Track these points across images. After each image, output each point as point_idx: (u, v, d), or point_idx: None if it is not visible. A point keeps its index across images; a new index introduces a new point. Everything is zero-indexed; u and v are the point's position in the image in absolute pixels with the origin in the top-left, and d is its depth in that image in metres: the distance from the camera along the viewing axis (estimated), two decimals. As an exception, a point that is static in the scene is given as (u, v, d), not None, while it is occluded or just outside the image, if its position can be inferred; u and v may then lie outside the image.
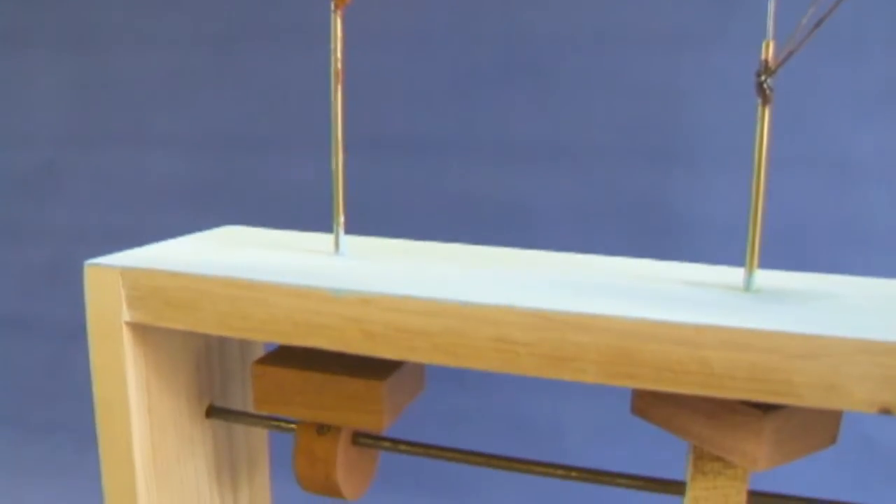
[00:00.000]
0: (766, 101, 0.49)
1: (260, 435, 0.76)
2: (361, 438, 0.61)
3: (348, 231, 0.66)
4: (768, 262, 0.59)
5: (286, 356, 0.60)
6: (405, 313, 0.47)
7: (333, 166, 0.58)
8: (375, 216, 0.94)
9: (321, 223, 0.63)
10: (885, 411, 0.44)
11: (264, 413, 0.70)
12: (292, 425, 0.62)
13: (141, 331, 0.57)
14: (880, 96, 1.10)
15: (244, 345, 0.71)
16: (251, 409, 0.72)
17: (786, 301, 0.49)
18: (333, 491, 0.60)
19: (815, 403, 0.43)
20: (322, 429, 0.60)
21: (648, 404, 0.54)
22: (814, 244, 1.12)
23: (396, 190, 1.24)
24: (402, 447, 0.61)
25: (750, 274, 0.51)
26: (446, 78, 1.22)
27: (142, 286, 0.54)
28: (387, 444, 0.62)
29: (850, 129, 1.11)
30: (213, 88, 1.33)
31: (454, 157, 1.22)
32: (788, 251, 0.79)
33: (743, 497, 0.52)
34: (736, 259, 0.55)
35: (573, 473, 0.58)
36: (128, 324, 0.55)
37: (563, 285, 0.51)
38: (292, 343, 0.51)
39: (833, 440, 0.53)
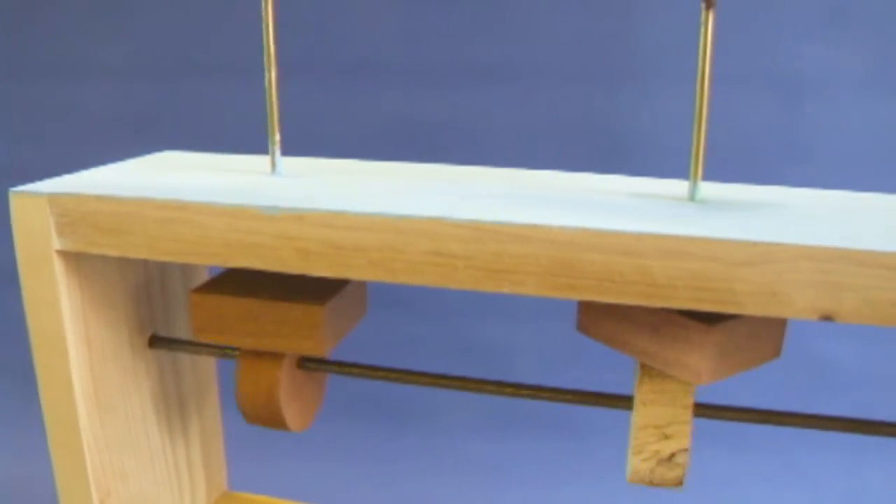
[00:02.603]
0: (709, 4, 0.48)
1: (208, 365, 0.75)
2: (307, 363, 0.60)
3: (289, 155, 0.64)
4: (716, 178, 0.58)
5: (225, 283, 0.59)
6: (340, 229, 0.46)
7: (266, 84, 0.55)
8: (316, 139, 0.92)
9: (263, 148, 0.61)
10: (827, 318, 0.43)
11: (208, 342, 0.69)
12: (237, 352, 0.61)
13: (73, 260, 0.55)
14: (825, 15, 1.09)
15: (187, 272, 0.70)
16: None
17: (730, 211, 0.49)
18: (277, 420, 0.59)
19: (758, 311, 0.43)
20: (263, 355, 0.58)
21: (593, 321, 0.53)
22: (761, 160, 1.12)
23: (337, 113, 1.22)
24: (351, 370, 0.60)
25: (694, 184, 0.50)
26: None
27: (70, 212, 0.52)
28: (334, 367, 0.61)
29: (795, 46, 1.10)
30: (147, 13, 1.28)
31: (395, 78, 1.19)
32: (736, 167, 0.78)
33: (689, 410, 0.51)
34: (684, 177, 0.54)
35: (523, 391, 0.57)
36: (59, 252, 0.53)
37: (503, 197, 0.50)
38: (226, 265, 0.49)
39: (777, 353, 0.53)
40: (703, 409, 0.53)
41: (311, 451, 1.10)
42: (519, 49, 1.16)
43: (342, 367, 0.60)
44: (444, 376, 0.59)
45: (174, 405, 0.70)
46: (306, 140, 0.79)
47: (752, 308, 0.43)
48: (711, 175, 0.58)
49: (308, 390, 0.63)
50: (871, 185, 0.63)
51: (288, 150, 0.63)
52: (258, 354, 0.59)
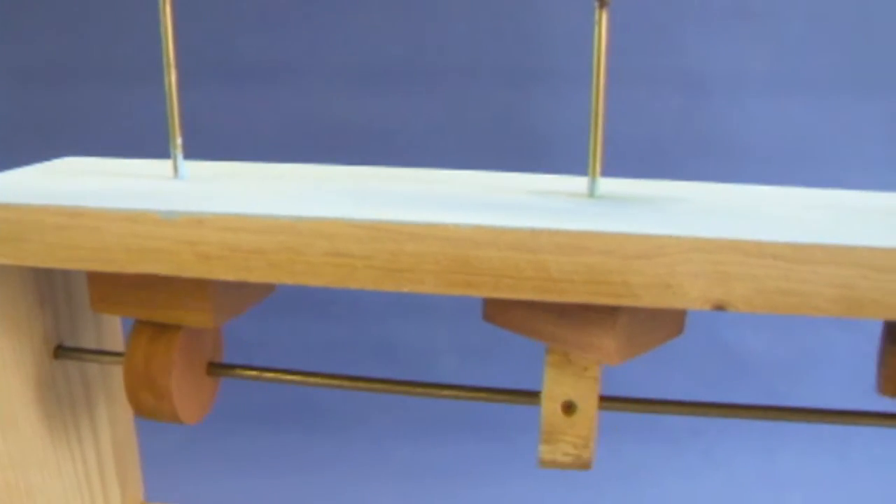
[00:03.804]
0: (603, 3, 0.49)
1: (119, 374, 0.73)
2: (215, 369, 0.60)
3: (199, 159, 0.63)
4: (625, 174, 0.59)
5: None
6: (239, 232, 0.46)
7: (167, 87, 0.55)
8: (226, 143, 0.91)
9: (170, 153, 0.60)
10: (719, 307, 0.44)
11: (114, 350, 0.68)
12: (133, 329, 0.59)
13: (-32, 269, 0.53)
14: (730, 13, 1.12)
15: (93, 281, 0.68)
16: (105, 346, 0.70)
17: (627, 205, 0.50)
18: (166, 404, 0.58)
19: (653, 303, 0.44)
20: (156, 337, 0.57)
21: (499, 310, 0.53)
22: (669, 156, 1.14)
23: (248, 116, 1.21)
24: (266, 375, 0.60)
25: (593, 180, 0.51)
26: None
27: (-36, 220, 0.51)
28: (249, 372, 0.60)
29: (702, 44, 1.13)
30: (44, 17, 1.25)
31: (307, 80, 1.19)
32: (645, 164, 0.80)
33: (595, 391, 0.52)
34: (603, 173, 0.55)
35: (444, 391, 0.58)
36: (-48, 262, 0.52)
37: (404, 197, 0.50)
38: (125, 270, 0.49)
39: (680, 330, 0.54)
40: (613, 402, 0.54)
41: (232, 461, 1.09)
42: (431, 49, 1.17)
43: (258, 371, 0.60)
44: (364, 378, 0.59)
45: (84, 416, 0.68)
46: (216, 144, 0.78)
47: (647, 300, 0.44)
48: (621, 171, 0.59)
49: (202, 382, 0.62)
50: (777, 180, 0.64)
51: (198, 154, 0.62)
52: (150, 337, 0.58)
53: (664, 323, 0.53)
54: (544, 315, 0.51)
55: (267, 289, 0.62)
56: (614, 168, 0.57)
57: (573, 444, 0.52)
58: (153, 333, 0.57)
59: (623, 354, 0.50)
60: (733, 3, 1.12)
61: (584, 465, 0.53)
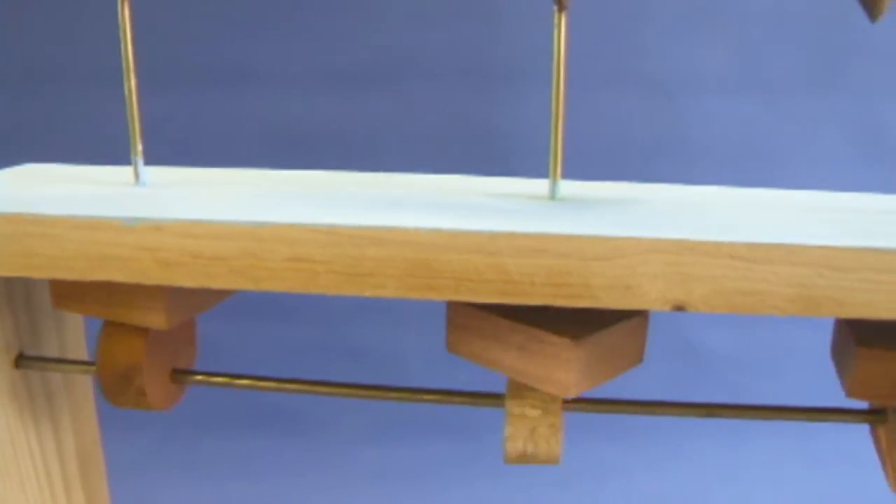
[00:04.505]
0: (561, 7, 0.49)
1: (82, 382, 0.72)
2: (178, 375, 0.59)
3: (163, 165, 0.63)
4: (589, 177, 0.60)
5: None
6: (199, 238, 0.46)
7: (126, 92, 0.54)
8: (191, 148, 0.91)
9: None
10: (679, 308, 0.45)
11: (77, 358, 0.67)
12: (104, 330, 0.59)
13: (-76, 278, 0.53)
14: (691, 15, 1.13)
15: (54, 289, 0.68)
16: (68, 354, 0.69)
17: (588, 207, 0.50)
18: (139, 393, 0.58)
19: (612, 304, 0.44)
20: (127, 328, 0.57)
21: (461, 341, 0.54)
22: (633, 158, 1.15)
23: (212, 121, 1.20)
24: (230, 381, 0.60)
25: (554, 183, 0.52)
26: (258, 4, 1.18)
27: (-81, 229, 0.50)
28: (218, 378, 0.60)
29: (664, 47, 1.14)
30: (2, 22, 1.23)
31: (270, 85, 1.19)
32: (609, 166, 0.81)
33: (557, 415, 0.52)
34: (566, 176, 0.55)
35: (406, 394, 0.58)
36: None
37: (366, 201, 0.50)
38: (84, 278, 0.48)
39: (639, 359, 0.55)
40: (577, 403, 0.54)
41: (200, 467, 1.08)
42: (394, 53, 1.17)
43: (225, 378, 0.60)
44: (333, 383, 0.59)
45: (47, 427, 0.67)
46: (183, 149, 0.78)
47: (606, 301, 0.44)
48: (583, 173, 0.59)
49: (175, 362, 0.62)
50: (737, 180, 0.65)
51: (164, 160, 0.62)
52: (122, 326, 0.57)
53: (623, 352, 0.53)
54: (505, 347, 0.51)
55: (225, 291, 0.62)
56: (577, 170, 0.58)
57: (539, 440, 0.53)
58: (122, 332, 0.57)
59: (581, 386, 0.51)
60: (692, 5, 1.13)
61: (552, 460, 0.53)
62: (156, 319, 0.54)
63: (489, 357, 0.53)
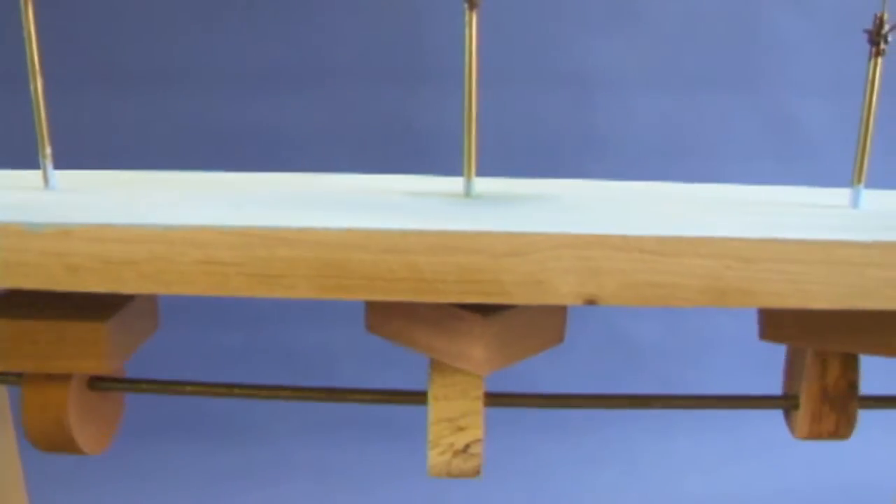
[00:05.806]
0: (472, 5, 0.49)
1: (-1, 394, 0.71)
2: (98, 383, 0.58)
3: (78, 168, 0.62)
4: (514, 174, 0.60)
5: (3, 306, 0.56)
6: (108, 243, 0.45)
7: (32, 94, 0.53)
8: (107, 151, 0.89)
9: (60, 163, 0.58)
10: (591, 302, 0.45)
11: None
12: (21, 377, 0.58)
13: None
14: (610, 14, 1.15)
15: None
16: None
17: (501, 204, 0.50)
18: (68, 444, 0.57)
19: (525, 300, 0.45)
20: (50, 378, 0.56)
21: (379, 321, 0.54)
22: (555, 155, 1.17)
23: (132, 124, 1.18)
24: (143, 386, 0.59)
25: (469, 181, 0.52)
26: (183, 5, 1.16)
27: None
28: (126, 384, 0.59)
29: (584, 43, 1.15)
30: None
31: (192, 85, 1.17)
32: (530, 163, 0.81)
33: (480, 401, 0.53)
34: (483, 174, 0.55)
35: (309, 394, 0.58)
36: None
37: (279, 202, 0.50)
38: (-9, 286, 0.47)
39: (560, 338, 0.55)
40: (499, 398, 0.55)
41: (127, 475, 1.06)
42: (317, 53, 1.17)
43: (134, 383, 0.59)
44: (262, 386, 0.59)
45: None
46: (98, 152, 0.76)
47: (519, 297, 0.44)
48: (503, 170, 0.59)
49: (103, 410, 0.61)
50: (657, 174, 0.66)
51: (78, 163, 0.60)
52: (44, 377, 0.56)
53: (541, 330, 0.53)
54: (421, 325, 0.51)
55: (153, 324, 0.61)
56: (495, 167, 0.58)
57: (461, 453, 0.53)
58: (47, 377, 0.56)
59: (495, 363, 0.51)
60: (610, 4, 1.15)
61: (473, 473, 0.54)
62: (97, 366, 0.53)
63: (407, 336, 0.53)
